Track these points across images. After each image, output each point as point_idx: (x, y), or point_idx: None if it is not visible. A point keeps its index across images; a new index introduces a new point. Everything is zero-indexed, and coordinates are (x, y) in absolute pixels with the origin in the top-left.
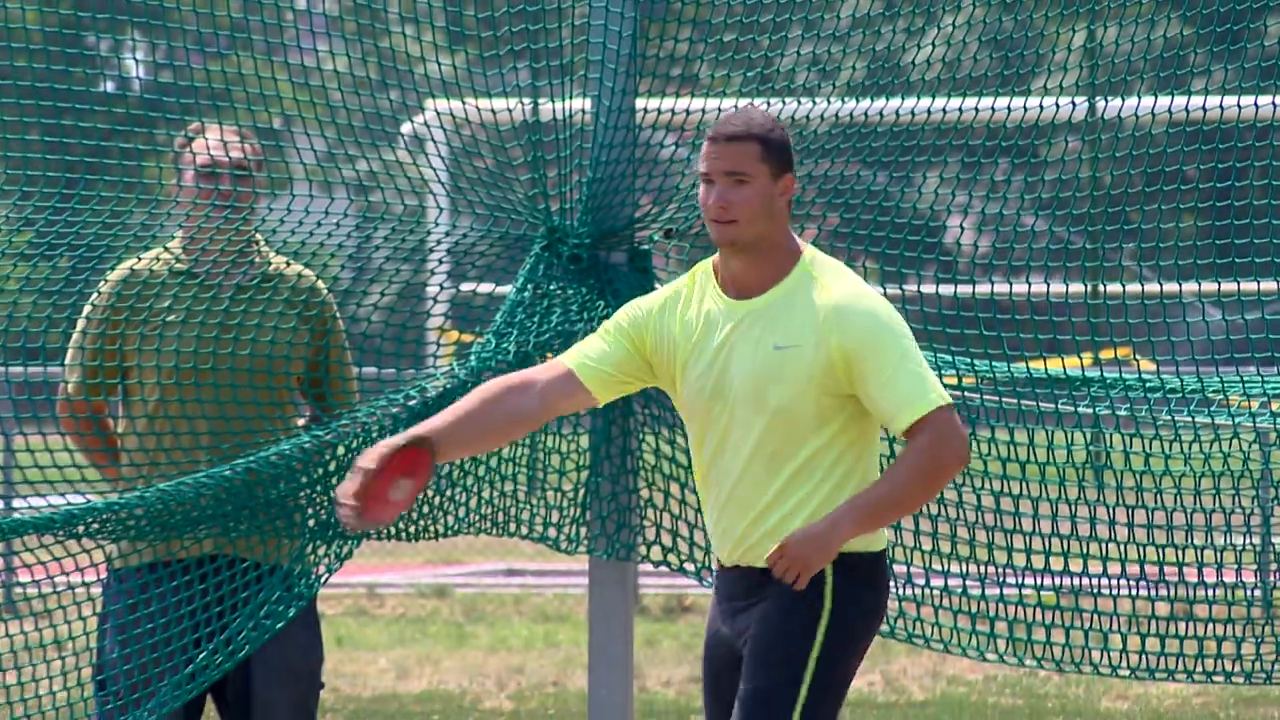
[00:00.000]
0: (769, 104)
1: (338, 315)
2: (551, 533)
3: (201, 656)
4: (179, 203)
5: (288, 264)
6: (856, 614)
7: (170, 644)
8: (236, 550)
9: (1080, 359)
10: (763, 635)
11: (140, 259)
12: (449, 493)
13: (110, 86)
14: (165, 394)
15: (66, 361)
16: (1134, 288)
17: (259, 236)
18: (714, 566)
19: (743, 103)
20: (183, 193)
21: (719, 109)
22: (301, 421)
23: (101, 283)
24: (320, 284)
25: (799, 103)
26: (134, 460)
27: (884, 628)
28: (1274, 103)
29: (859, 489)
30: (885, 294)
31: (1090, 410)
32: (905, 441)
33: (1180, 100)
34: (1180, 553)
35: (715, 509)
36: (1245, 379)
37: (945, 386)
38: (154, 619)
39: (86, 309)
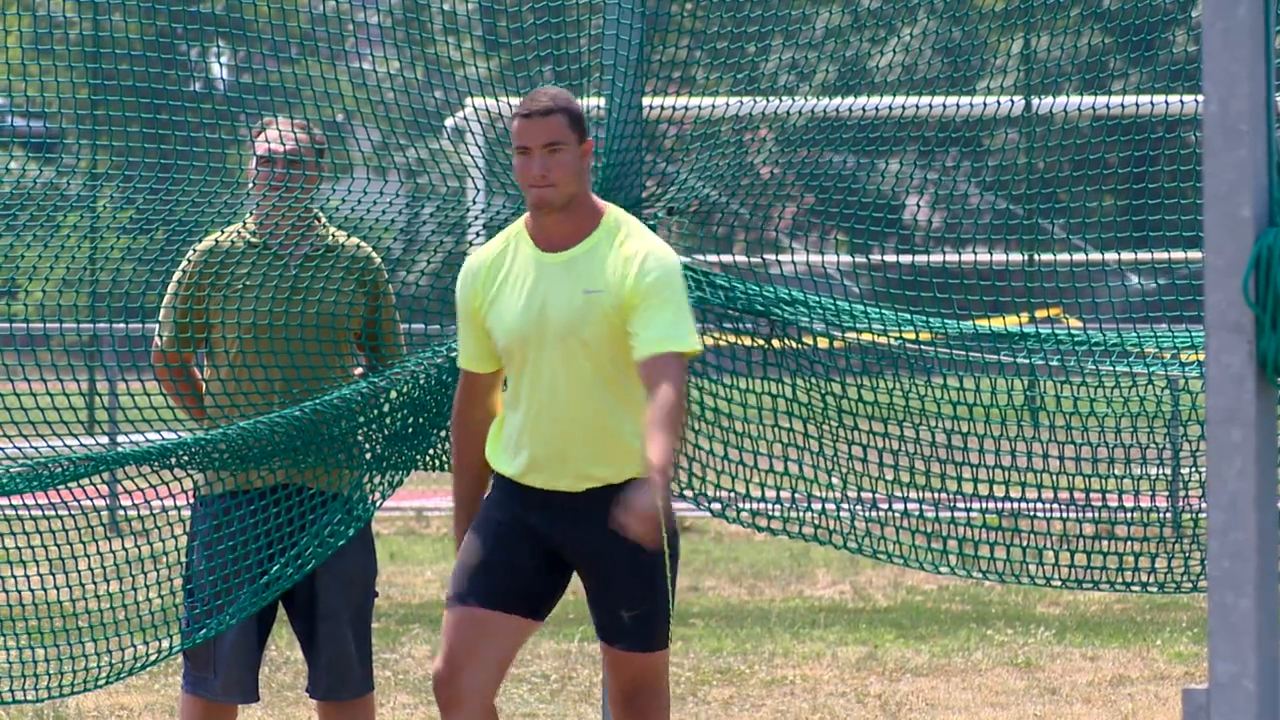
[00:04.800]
0: (755, 102)
1: (388, 280)
2: None
3: (274, 570)
4: (255, 185)
5: (347, 237)
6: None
7: (248, 559)
8: (304, 480)
9: (1018, 317)
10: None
11: (223, 233)
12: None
13: (198, 86)
14: (244, 347)
15: (159, 319)
16: (1064, 257)
17: (320, 213)
18: (511, 479)
19: (551, 88)
20: (255, 177)
21: (713, 107)
22: (359, 371)
23: (190, 252)
24: (374, 254)
25: (780, 100)
26: (218, 403)
27: (852, 544)
28: (1181, 101)
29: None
30: (853, 262)
31: (1027, 361)
32: (642, 370)
33: (1102, 99)
34: (1103, 481)
35: (532, 436)
36: (1157, 334)
37: (904, 342)
38: (234, 538)
39: (176, 275)
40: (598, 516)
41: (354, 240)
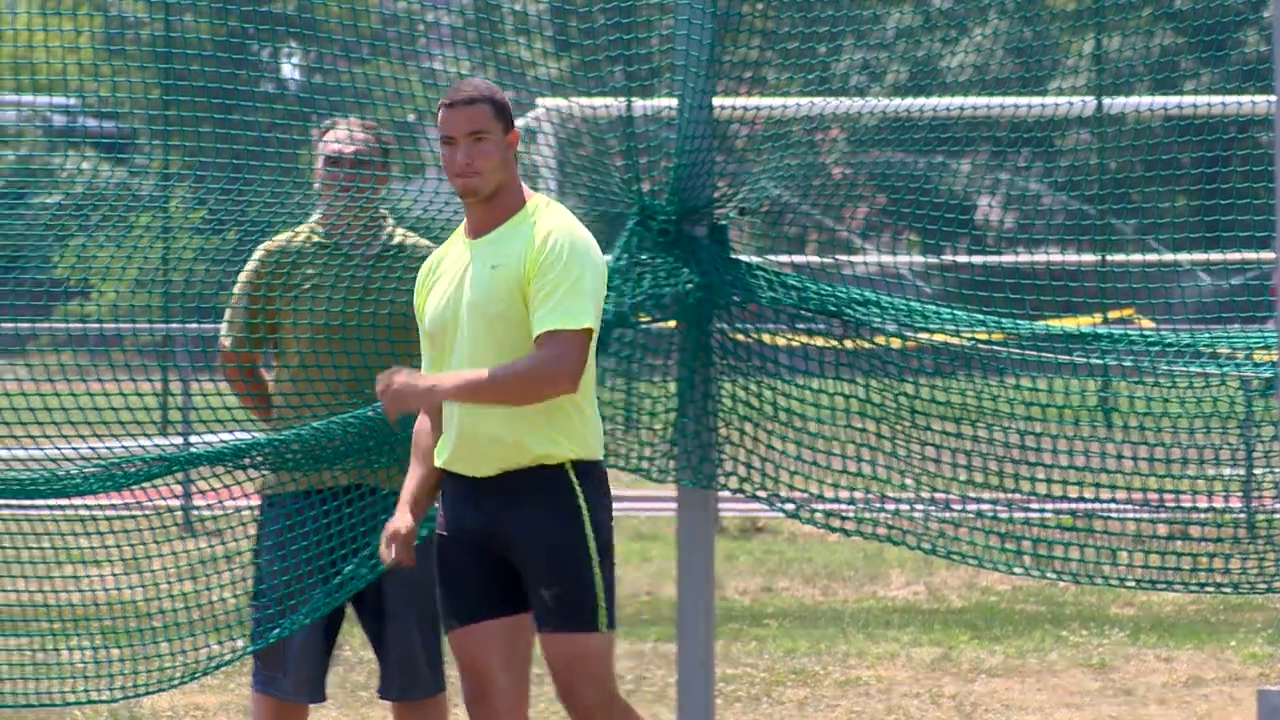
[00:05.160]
0: (826, 102)
1: None
2: (645, 464)
3: (347, 570)
4: (322, 185)
5: (417, 236)
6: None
7: (321, 559)
8: (376, 480)
9: (1091, 318)
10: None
11: (296, 232)
12: None
13: (270, 87)
14: (314, 346)
15: (225, 319)
16: (1136, 257)
17: (387, 213)
18: (445, 473)
19: (476, 79)
20: (322, 177)
21: (784, 107)
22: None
23: (257, 252)
24: None
25: (851, 101)
26: (289, 403)
27: (926, 545)
28: (1253, 101)
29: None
30: (925, 263)
31: (1100, 361)
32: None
33: (1174, 99)
34: (1177, 482)
35: (452, 418)
36: (1230, 334)
37: (977, 342)
38: (307, 538)
39: (243, 275)
40: (510, 500)
41: (423, 240)
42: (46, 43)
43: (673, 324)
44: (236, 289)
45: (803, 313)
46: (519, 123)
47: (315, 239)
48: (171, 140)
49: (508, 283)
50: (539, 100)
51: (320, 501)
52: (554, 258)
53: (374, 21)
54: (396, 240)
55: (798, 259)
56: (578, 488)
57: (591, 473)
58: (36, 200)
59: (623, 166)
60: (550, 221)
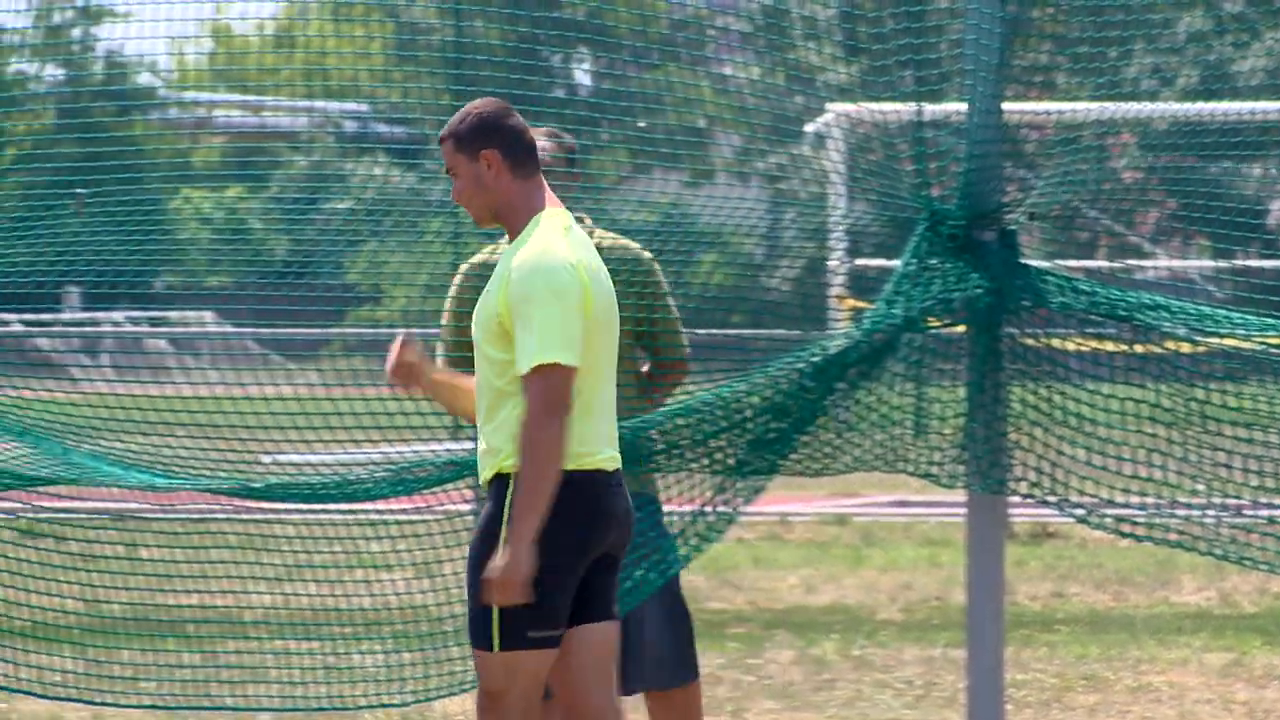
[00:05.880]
0: (1117, 106)
1: (660, 278)
2: (934, 470)
3: (636, 575)
4: None
5: (614, 239)
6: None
7: None
8: (652, 490)
9: None
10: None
11: (495, 246)
12: (847, 436)
13: (561, 92)
14: None
15: (438, 336)
16: None
17: (583, 215)
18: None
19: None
20: None
21: (1074, 112)
22: (645, 368)
23: (459, 269)
24: (644, 253)
25: (1142, 105)
26: None
27: (1218, 551)
28: None
29: None
30: (1216, 267)
31: None
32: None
33: None
34: None
35: None
36: None
37: (1268, 347)
38: None
39: (449, 294)
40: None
41: (621, 241)
42: (338, 49)
43: (962, 329)
44: (444, 307)
45: (1093, 317)
46: (809, 128)
47: (508, 250)
48: None
49: (489, 309)
50: (829, 105)
51: None
52: (515, 294)
53: (663, 27)
54: (594, 242)
55: (1088, 264)
56: (509, 501)
57: None
58: (328, 206)
59: (912, 171)
60: (523, 252)
